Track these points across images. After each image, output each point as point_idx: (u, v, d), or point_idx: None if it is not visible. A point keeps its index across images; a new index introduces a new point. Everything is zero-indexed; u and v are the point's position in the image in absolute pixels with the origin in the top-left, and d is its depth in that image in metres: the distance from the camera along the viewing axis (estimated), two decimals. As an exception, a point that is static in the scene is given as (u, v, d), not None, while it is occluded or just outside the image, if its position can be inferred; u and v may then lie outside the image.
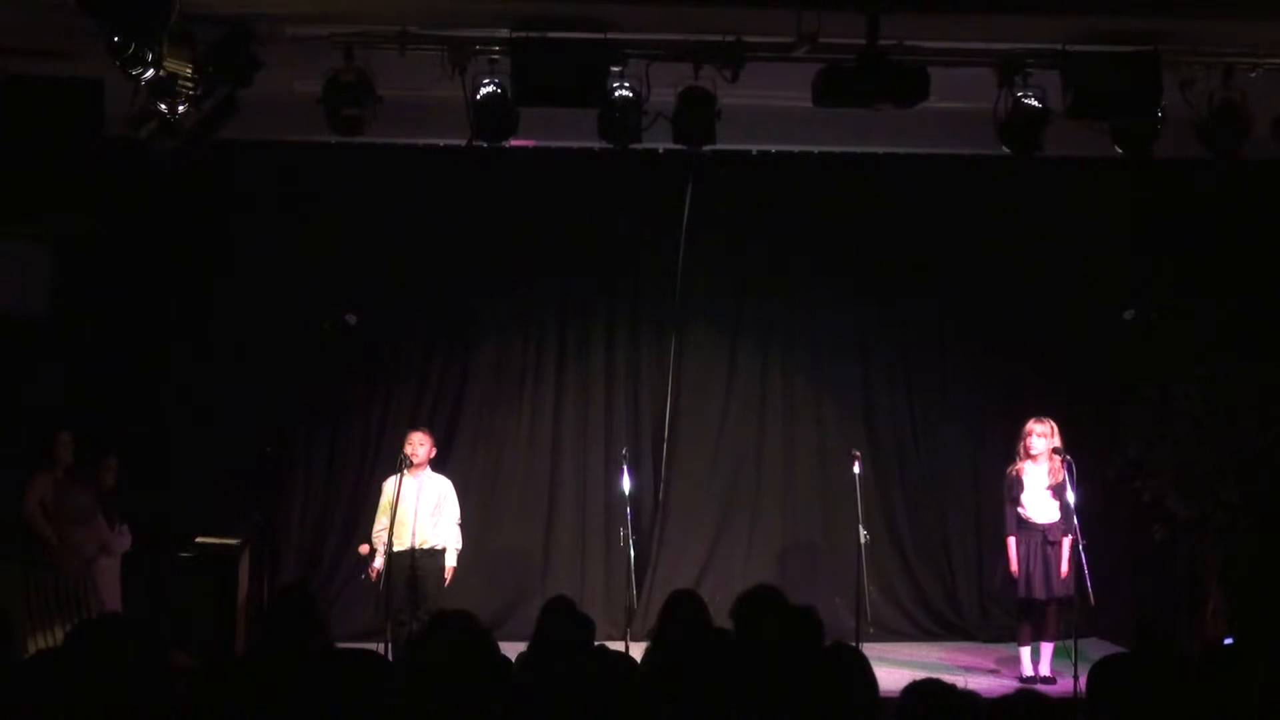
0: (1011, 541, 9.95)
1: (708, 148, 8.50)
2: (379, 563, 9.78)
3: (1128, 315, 11.17)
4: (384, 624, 9.67)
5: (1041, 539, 9.88)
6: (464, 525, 10.08)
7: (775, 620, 5.33)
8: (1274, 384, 10.67)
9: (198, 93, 7.50)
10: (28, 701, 4.05)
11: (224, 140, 8.22)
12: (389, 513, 9.75)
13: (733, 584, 10.86)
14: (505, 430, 11.50)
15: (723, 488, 11.61)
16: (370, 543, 9.97)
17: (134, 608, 9.64)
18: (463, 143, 8.31)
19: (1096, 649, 9.70)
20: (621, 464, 10.47)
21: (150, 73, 6.97)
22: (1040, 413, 10.15)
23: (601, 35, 7.73)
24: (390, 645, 9.34)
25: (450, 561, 9.90)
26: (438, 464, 10.24)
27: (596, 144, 8.39)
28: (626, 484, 10.37)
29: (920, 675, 4.51)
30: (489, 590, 10.84)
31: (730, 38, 7.87)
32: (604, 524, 11.23)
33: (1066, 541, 9.79)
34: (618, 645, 8.79)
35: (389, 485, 9.87)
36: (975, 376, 11.70)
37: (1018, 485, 10.01)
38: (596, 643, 5.65)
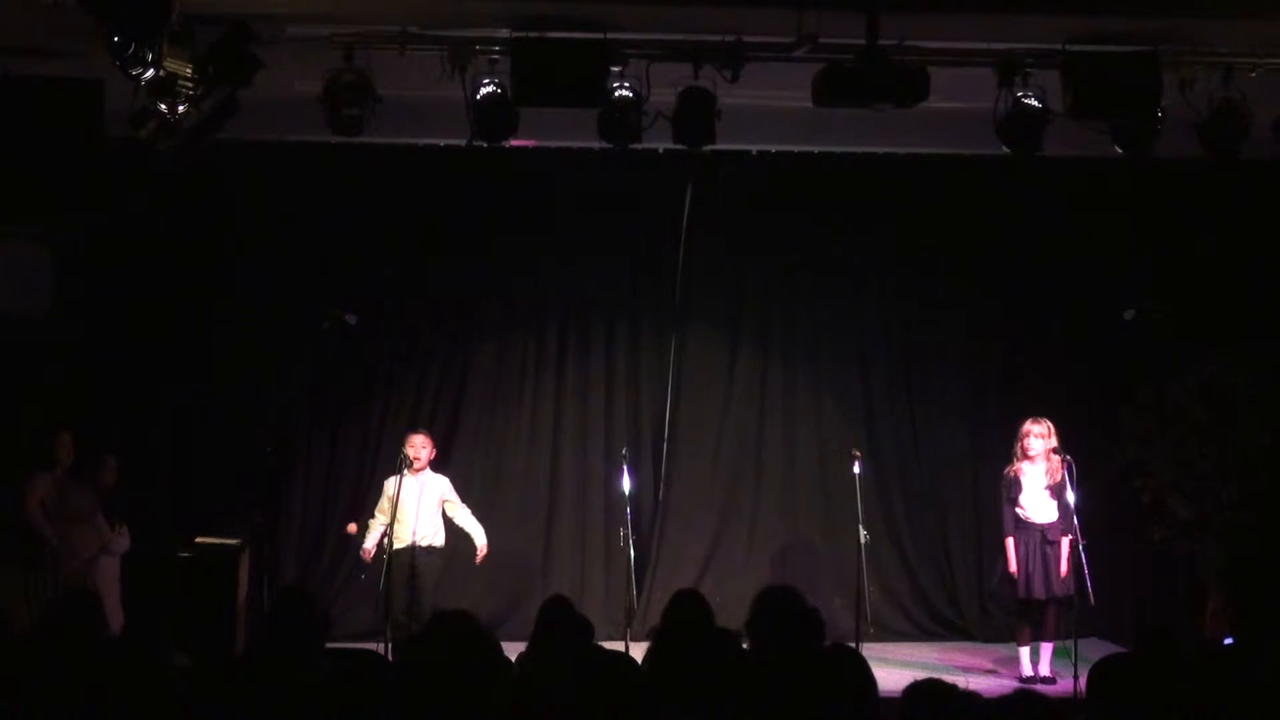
0: (1010, 542, 9.94)
1: (708, 148, 8.49)
2: (370, 543, 9.85)
3: (1128, 315, 11.16)
4: (384, 624, 9.68)
5: (1040, 539, 9.87)
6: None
7: (793, 621, 5.32)
8: (1274, 384, 10.67)
9: (198, 93, 7.50)
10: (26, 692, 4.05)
11: (224, 140, 8.22)
12: (389, 511, 9.78)
13: (732, 584, 10.89)
14: (505, 430, 11.49)
15: (723, 488, 11.60)
16: (360, 526, 10.05)
17: (134, 608, 9.64)
18: (463, 143, 8.32)
19: (1096, 649, 9.68)
20: (621, 464, 10.46)
21: (150, 73, 6.96)
22: (1040, 413, 10.15)
23: (601, 35, 7.73)
24: (390, 645, 9.35)
25: (481, 541, 10.01)
26: (437, 464, 10.25)
27: (596, 144, 8.39)
28: (626, 484, 10.36)
29: (920, 675, 4.51)
30: (489, 590, 10.85)
31: (730, 38, 7.87)
32: (604, 524, 11.23)
33: (1065, 541, 9.80)
34: (618, 645, 8.80)
35: (389, 484, 9.91)
36: (975, 377, 11.70)
37: (1016, 486, 10.00)
38: (596, 643, 5.65)
